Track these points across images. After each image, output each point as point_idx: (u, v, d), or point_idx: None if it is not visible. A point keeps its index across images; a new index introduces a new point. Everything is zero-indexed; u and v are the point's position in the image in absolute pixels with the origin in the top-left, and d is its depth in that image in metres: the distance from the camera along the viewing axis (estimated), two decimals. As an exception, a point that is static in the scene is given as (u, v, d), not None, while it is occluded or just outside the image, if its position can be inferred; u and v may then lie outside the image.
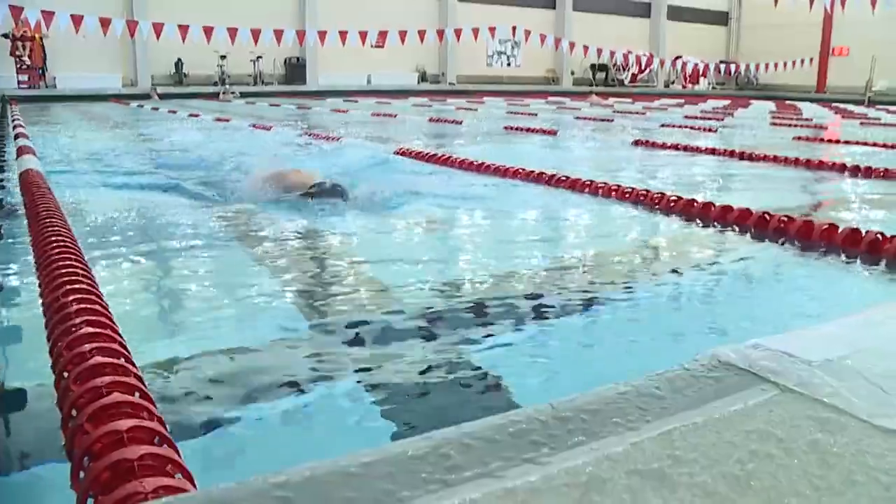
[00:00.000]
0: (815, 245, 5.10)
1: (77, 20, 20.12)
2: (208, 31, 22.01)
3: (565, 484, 0.83)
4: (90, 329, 2.38)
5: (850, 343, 1.31)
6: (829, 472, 0.89)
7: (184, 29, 21.70)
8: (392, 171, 8.06)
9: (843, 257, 4.78)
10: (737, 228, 5.89)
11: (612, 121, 17.25)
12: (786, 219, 5.96)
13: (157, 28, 21.60)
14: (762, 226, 6.04)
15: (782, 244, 5.32)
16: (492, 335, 2.71)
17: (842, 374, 1.14)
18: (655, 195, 6.49)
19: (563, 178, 7.34)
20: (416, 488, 0.83)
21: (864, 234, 5.42)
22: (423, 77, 32.02)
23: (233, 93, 23.28)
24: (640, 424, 0.99)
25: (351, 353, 2.53)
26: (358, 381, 2.29)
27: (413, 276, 3.79)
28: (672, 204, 6.40)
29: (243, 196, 5.73)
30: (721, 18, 43.60)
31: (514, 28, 29.18)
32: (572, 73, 36.59)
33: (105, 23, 20.66)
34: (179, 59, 25.38)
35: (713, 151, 11.21)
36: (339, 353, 2.52)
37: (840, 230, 5.60)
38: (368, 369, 2.35)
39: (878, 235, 5.46)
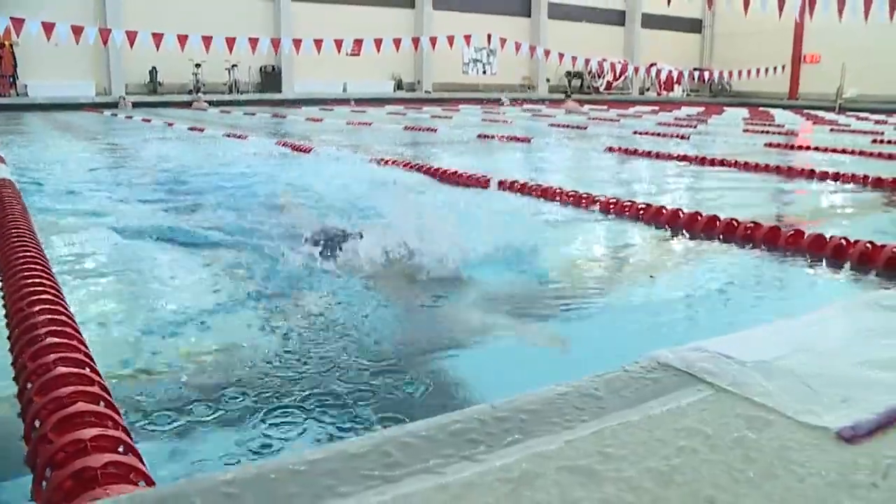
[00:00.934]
0: (782, 250, 5.21)
1: (48, 27, 19.96)
2: (182, 40, 21.94)
3: (498, 479, 0.87)
4: (54, 339, 2.40)
5: (787, 344, 1.36)
6: (751, 465, 0.93)
7: (158, 37, 21.61)
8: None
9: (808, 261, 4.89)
10: (704, 235, 5.99)
11: (586, 128, 17.36)
12: (752, 225, 6.05)
13: (131, 36, 21.49)
14: (730, 232, 6.13)
15: (750, 249, 5.42)
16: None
17: (774, 374, 1.19)
18: (625, 203, 6.58)
19: (535, 187, 7.44)
20: (357, 484, 0.87)
21: (828, 239, 5.53)
22: (399, 85, 32.07)
23: (207, 101, 23.19)
24: (576, 423, 1.03)
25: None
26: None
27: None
28: (641, 211, 6.48)
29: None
30: (695, 26, 43.97)
31: (489, 36, 29.29)
32: (548, 80, 36.77)
33: (77, 30, 20.52)
34: (154, 68, 25.25)
35: (684, 158, 11.32)
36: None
37: (806, 235, 5.71)
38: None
39: (843, 241, 5.57)
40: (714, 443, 0.99)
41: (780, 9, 20.50)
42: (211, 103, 23.86)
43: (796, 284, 4.49)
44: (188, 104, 23.39)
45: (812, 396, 1.13)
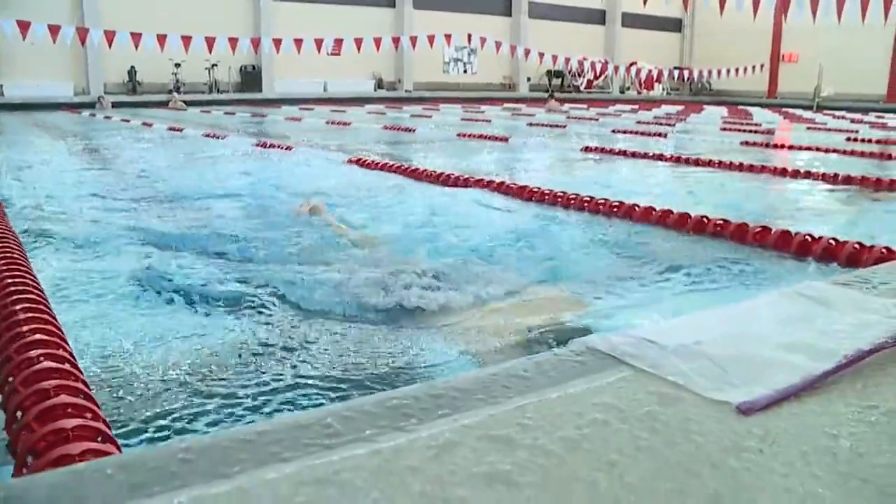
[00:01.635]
0: (749, 246, 5.37)
1: (24, 26, 19.82)
2: (162, 39, 21.91)
3: (424, 446, 0.98)
4: (39, 336, 2.50)
5: (709, 331, 1.47)
6: (654, 436, 1.04)
7: (136, 37, 21.55)
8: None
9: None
10: (675, 231, 6.14)
11: (565, 127, 17.51)
12: (722, 222, 6.20)
13: (109, 36, 21.41)
14: (700, 228, 6.28)
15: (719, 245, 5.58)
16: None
17: (691, 357, 1.30)
18: (599, 201, 6.72)
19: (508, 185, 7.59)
20: (299, 451, 0.98)
21: (793, 235, 5.68)
22: (379, 84, 32.12)
23: (182, 100, 23.14)
24: (502, 399, 1.14)
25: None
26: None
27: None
28: (614, 209, 6.61)
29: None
30: (675, 25, 44.21)
31: (469, 35, 29.40)
32: (528, 79, 36.91)
33: (54, 30, 20.41)
34: (133, 67, 25.16)
35: (661, 157, 11.47)
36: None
37: (772, 232, 5.86)
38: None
39: (807, 237, 5.72)
40: (625, 416, 1.10)
41: (755, 9, 20.70)
42: (191, 103, 23.82)
43: (756, 279, 4.61)
44: (166, 104, 23.33)
45: (722, 376, 1.24)
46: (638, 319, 3.29)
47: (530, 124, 18.24)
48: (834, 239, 5.38)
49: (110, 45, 21.69)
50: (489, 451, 0.97)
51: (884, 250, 4.80)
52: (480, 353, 2.71)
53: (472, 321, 3.12)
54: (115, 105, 22.20)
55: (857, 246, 4.90)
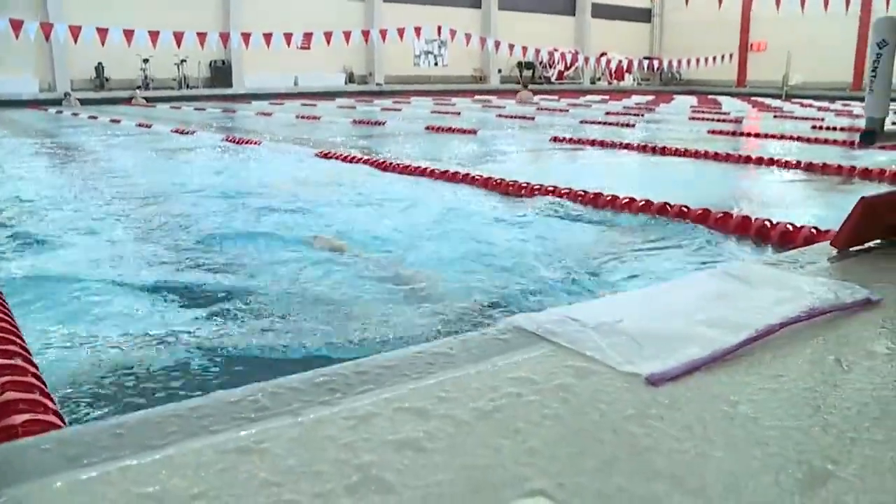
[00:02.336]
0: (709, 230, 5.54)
1: (-17, 21, 19.54)
2: (129, 34, 21.73)
3: (343, 417, 1.04)
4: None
5: (634, 308, 1.55)
6: (563, 405, 1.11)
7: (103, 32, 21.35)
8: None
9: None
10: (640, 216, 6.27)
11: (534, 119, 17.60)
12: (686, 208, 6.34)
13: (74, 31, 21.17)
14: (664, 214, 6.41)
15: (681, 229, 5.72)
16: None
17: (609, 334, 1.37)
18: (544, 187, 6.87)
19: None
20: (226, 424, 1.04)
21: (752, 220, 5.81)
22: (350, 78, 32.06)
23: (143, 97, 22.96)
24: (425, 375, 1.20)
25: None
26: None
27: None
28: (579, 197, 6.73)
29: None
30: (644, 15, 44.40)
31: (439, 28, 29.40)
32: (499, 71, 36.97)
33: (17, 24, 20.14)
34: (100, 63, 24.92)
35: (627, 146, 11.58)
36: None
37: (733, 217, 5.99)
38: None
39: (766, 222, 5.86)
40: (539, 388, 1.17)
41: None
42: (161, 99, 23.68)
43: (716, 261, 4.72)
44: (130, 100, 23.11)
45: (637, 351, 1.31)
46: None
47: (500, 116, 18.31)
48: (791, 224, 5.53)
49: (76, 41, 21.47)
50: (404, 421, 1.04)
51: (813, 230, 5.10)
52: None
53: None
54: (82, 102, 21.97)
55: (789, 227, 5.15)
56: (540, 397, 1.13)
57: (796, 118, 18.48)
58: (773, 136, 13.62)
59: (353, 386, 1.16)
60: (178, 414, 1.08)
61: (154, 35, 22.28)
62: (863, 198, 2.09)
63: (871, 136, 2.14)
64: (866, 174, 8.36)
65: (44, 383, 2.15)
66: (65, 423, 2.00)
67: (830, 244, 2.19)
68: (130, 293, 3.61)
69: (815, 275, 1.91)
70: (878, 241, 2.27)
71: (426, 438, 1.00)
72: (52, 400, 2.13)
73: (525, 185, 7.17)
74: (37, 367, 2.30)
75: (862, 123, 2.59)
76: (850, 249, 2.20)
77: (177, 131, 13.55)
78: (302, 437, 1.00)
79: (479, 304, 3.31)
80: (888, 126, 2.23)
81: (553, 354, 1.31)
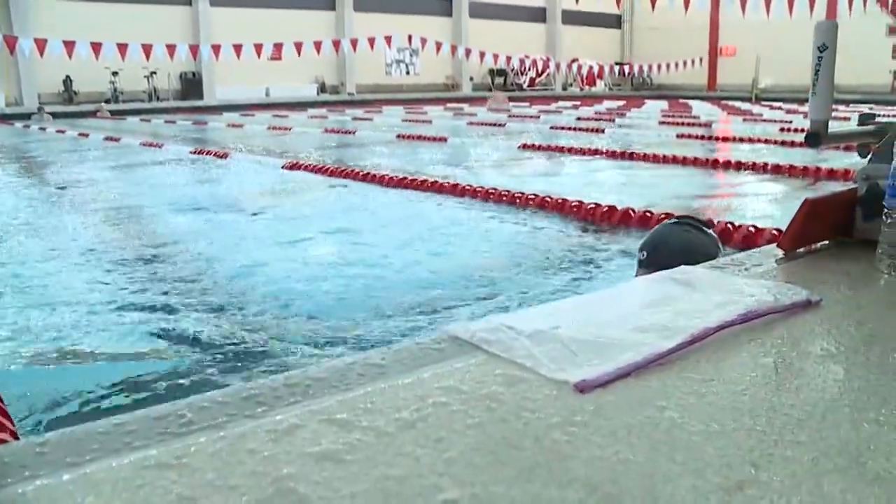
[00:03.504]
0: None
1: (-58, 35, 19.32)
2: (96, 47, 21.59)
3: (266, 430, 1.04)
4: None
5: (572, 315, 1.55)
6: (488, 414, 1.12)
7: (70, 45, 21.19)
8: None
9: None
10: (607, 224, 6.33)
11: (504, 125, 17.68)
12: (649, 213, 6.39)
13: (41, 44, 20.99)
14: (627, 220, 6.46)
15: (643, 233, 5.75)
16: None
17: (544, 341, 1.38)
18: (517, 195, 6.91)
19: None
20: (151, 439, 1.03)
21: (715, 224, 5.87)
22: (322, 88, 32.05)
23: (108, 110, 22.79)
24: (354, 386, 1.20)
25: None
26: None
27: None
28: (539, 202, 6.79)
29: None
30: (614, 21, 44.74)
31: (410, 37, 29.46)
32: (471, 79, 37.11)
33: (-22, 39, 19.96)
34: (68, 77, 24.74)
35: (596, 152, 11.65)
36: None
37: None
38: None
39: (728, 225, 5.92)
40: (465, 398, 1.17)
41: (686, 5, 21.07)
42: (131, 112, 23.55)
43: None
44: (94, 113, 22.91)
45: (570, 358, 1.32)
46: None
47: (471, 123, 18.37)
48: (754, 226, 5.59)
49: (42, 54, 21.27)
50: (327, 433, 1.04)
51: (750, 228, 5.39)
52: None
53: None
54: (54, 116, 21.77)
55: (751, 229, 5.27)
56: (465, 406, 1.14)
57: (765, 121, 18.67)
58: (742, 140, 13.76)
59: (281, 399, 1.16)
60: (102, 431, 1.07)
61: (122, 48, 22.16)
62: (807, 199, 2.11)
63: (816, 137, 2.16)
64: (832, 175, 8.46)
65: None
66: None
67: (777, 246, 2.21)
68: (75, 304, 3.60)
69: (760, 277, 1.93)
70: (825, 241, 2.30)
71: (346, 450, 1.00)
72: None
73: (493, 190, 7.22)
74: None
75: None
76: (798, 251, 2.22)
77: (146, 144, 13.48)
78: (223, 451, 1.00)
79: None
80: (833, 128, 2.25)
81: (484, 363, 1.31)
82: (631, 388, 1.24)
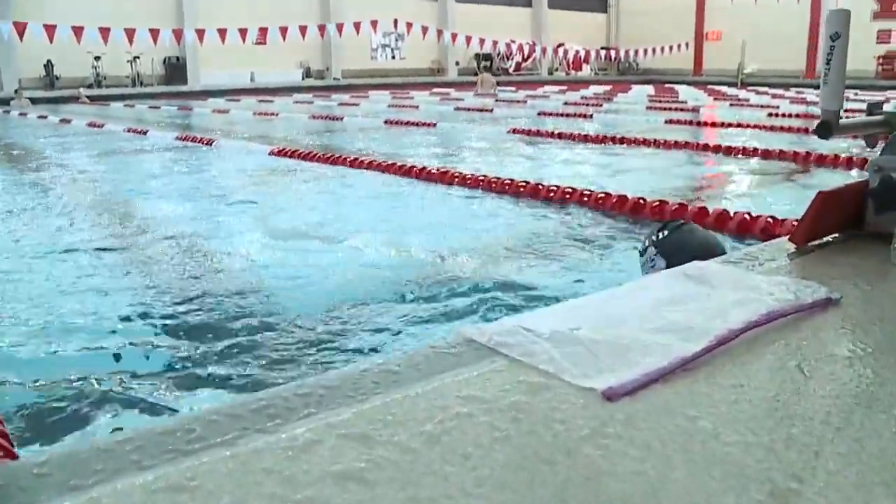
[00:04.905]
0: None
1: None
2: (78, 31, 21.29)
3: (282, 447, 0.98)
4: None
5: (587, 316, 1.50)
6: (515, 426, 1.06)
7: (50, 29, 20.88)
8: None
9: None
10: (595, 210, 6.31)
11: (492, 111, 17.58)
12: (642, 200, 6.36)
13: (20, 27, 20.63)
14: (620, 207, 6.43)
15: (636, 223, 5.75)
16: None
17: (565, 344, 1.32)
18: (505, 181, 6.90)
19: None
20: (158, 458, 0.97)
21: (710, 211, 5.83)
22: (307, 73, 31.82)
23: (86, 96, 22.47)
24: (370, 396, 1.14)
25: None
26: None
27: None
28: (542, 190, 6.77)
29: None
30: (600, 6, 44.60)
31: (395, 21, 29.27)
32: (457, 63, 36.93)
33: (-47, 23, 19.62)
34: (49, 61, 24.41)
35: (585, 138, 11.60)
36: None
37: (689, 209, 6.01)
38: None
39: (724, 211, 5.90)
40: (489, 407, 1.11)
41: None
42: (114, 97, 23.28)
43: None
44: (77, 99, 22.64)
45: (593, 362, 1.26)
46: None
47: (458, 108, 18.26)
48: (748, 213, 5.57)
49: (21, 38, 20.92)
50: (347, 449, 0.98)
51: (769, 219, 5.28)
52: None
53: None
54: (32, 100, 21.48)
55: (746, 217, 5.24)
56: (490, 418, 1.08)
57: (752, 106, 18.65)
58: (729, 125, 13.74)
59: (295, 410, 1.09)
60: (106, 448, 1.01)
61: (105, 32, 21.87)
62: (819, 192, 2.06)
63: (828, 127, 2.10)
64: (821, 160, 8.45)
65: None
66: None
67: (789, 240, 2.16)
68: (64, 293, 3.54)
69: (775, 273, 1.88)
70: (835, 234, 2.25)
71: (370, 469, 0.94)
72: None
73: (483, 177, 7.19)
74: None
75: (816, 111, 2.56)
76: (809, 244, 2.18)
77: (129, 130, 13.32)
78: (237, 472, 0.93)
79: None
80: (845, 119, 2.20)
81: (505, 369, 1.25)
82: (659, 395, 1.19)
